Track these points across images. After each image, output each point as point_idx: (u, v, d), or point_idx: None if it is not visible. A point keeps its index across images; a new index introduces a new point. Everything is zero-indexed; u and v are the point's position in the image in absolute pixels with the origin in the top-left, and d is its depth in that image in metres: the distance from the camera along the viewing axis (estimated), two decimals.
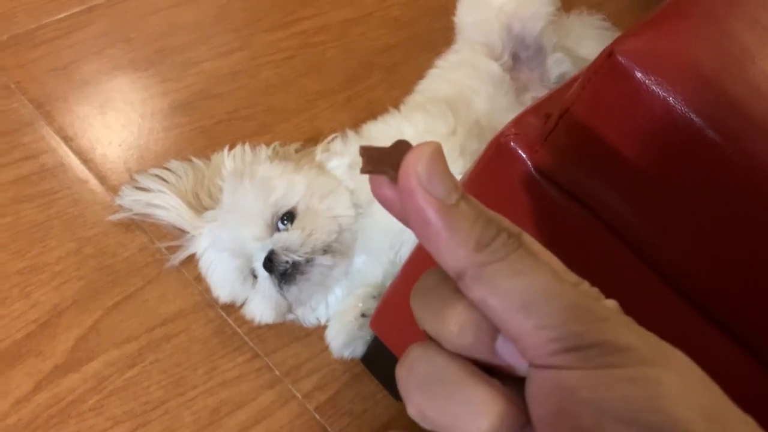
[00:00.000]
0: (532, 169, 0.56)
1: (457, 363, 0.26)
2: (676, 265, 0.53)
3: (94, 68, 1.05)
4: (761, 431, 0.24)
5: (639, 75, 0.47)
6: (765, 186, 0.46)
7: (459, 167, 0.88)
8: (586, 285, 0.27)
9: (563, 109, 0.53)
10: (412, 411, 0.27)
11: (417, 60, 1.26)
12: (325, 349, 0.92)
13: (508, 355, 0.26)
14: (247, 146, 0.97)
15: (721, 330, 0.54)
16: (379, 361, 0.93)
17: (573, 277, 0.27)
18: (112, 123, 1.01)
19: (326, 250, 0.86)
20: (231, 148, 0.97)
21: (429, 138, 0.90)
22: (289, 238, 0.83)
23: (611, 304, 0.27)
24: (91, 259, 0.90)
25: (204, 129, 1.06)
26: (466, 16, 1.18)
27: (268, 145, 1.02)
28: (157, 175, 0.93)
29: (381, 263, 0.90)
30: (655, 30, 0.50)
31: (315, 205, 0.87)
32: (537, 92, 1.16)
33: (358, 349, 0.91)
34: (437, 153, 0.25)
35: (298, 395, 0.90)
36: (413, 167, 0.25)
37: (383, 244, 0.89)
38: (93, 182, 0.95)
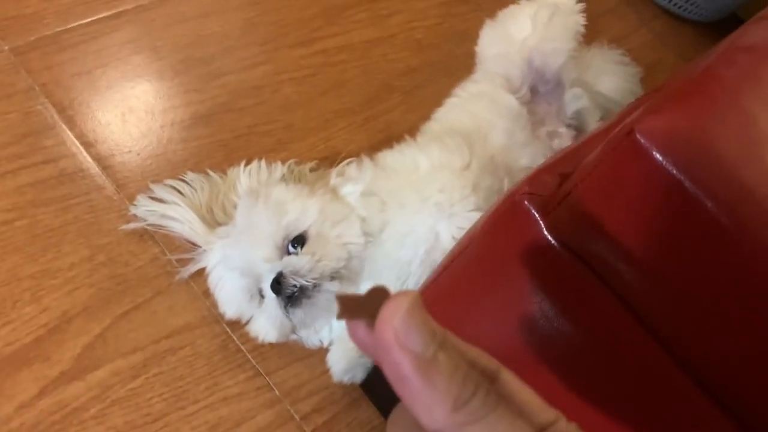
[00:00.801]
0: (543, 230, 0.57)
1: None
2: (686, 342, 0.53)
3: (119, 75, 1.06)
4: None
5: (657, 155, 0.48)
6: None
7: (471, 204, 0.89)
8: (562, 422, 0.28)
9: (579, 178, 0.54)
10: None
11: (437, 84, 1.28)
12: (326, 371, 0.93)
13: None
14: (263, 163, 0.98)
15: (709, 396, 0.54)
16: (378, 388, 0.94)
17: (551, 414, 0.28)
18: (132, 131, 1.03)
19: (334, 276, 0.87)
20: (247, 164, 0.98)
21: (444, 171, 0.91)
22: (299, 262, 0.85)
23: None
24: (103, 267, 0.92)
25: (223, 142, 1.07)
26: (487, 47, 1.18)
27: (283, 162, 1.03)
28: (172, 187, 0.94)
29: None
30: (675, 109, 0.50)
31: (326, 231, 0.88)
32: (553, 126, 1.16)
33: (359, 375, 0.92)
34: (415, 305, 0.25)
35: (296, 417, 0.92)
36: (390, 320, 0.25)
37: (390, 275, 0.90)
38: (110, 189, 0.97)
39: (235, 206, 0.94)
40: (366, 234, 0.91)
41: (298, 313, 0.87)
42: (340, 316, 0.27)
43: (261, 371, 0.92)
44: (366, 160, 1.01)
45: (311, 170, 1.03)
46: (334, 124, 1.16)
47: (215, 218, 0.94)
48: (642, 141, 0.48)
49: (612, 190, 0.52)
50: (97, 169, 0.98)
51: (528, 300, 0.61)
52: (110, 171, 0.98)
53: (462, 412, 0.24)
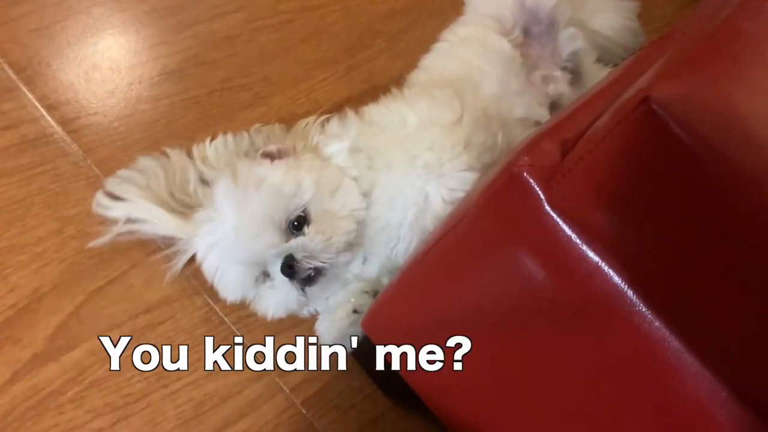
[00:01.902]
0: (545, 204, 0.52)
1: None
2: (698, 319, 0.49)
3: (80, 29, 0.98)
4: None
5: (674, 126, 0.42)
6: None
7: (463, 163, 0.83)
8: None
9: (586, 149, 0.49)
10: None
11: (423, 27, 1.20)
12: (314, 341, 0.90)
13: None
14: (229, 136, 0.92)
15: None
16: (370, 356, 0.90)
17: None
18: (97, 91, 0.95)
19: (346, 248, 0.83)
20: (212, 139, 0.92)
21: (433, 128, 0.86)
22: (310, 244, 0.80)
23: None
24: (73, 240, 0.86)
25: (196, 99, 1.00)
26: None
27: (262, 121, 0.97)
28: (126, 179, 0.87)
29: (378, 258, 0.87)
30: (693, 73, 0.45)
31: (328, 204, 0.83)
32: (548, 70, 1.10)
33: (348, 345, 0.88)
34: None
35: (286, 389, 0.88)
36: None
37: (380, 239, 0.85)
38: (77, 155, 0.90)
39: (197, 182, 0.88)
40: (364, 194, 0.86)
41: (314, 290, 0.84)
42: None
43: (247, 343, 0.88)
44: (350, 113, 0.95)
45: (281, 129, 0.96)
46: (315, 75, 1.09)
47: (179, 203, 0.87)
48: (658, 111, 0.42)
49: (624, 163, 0.46)
50: (61, 133, 0.91)
51: (525, 276, 0.56)
52: (76, 135, 0.92)
53: None
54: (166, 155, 0.90)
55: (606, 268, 0.51)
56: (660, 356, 0.51)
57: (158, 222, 0.84)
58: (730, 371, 0.50)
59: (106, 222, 0.86)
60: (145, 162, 0.88)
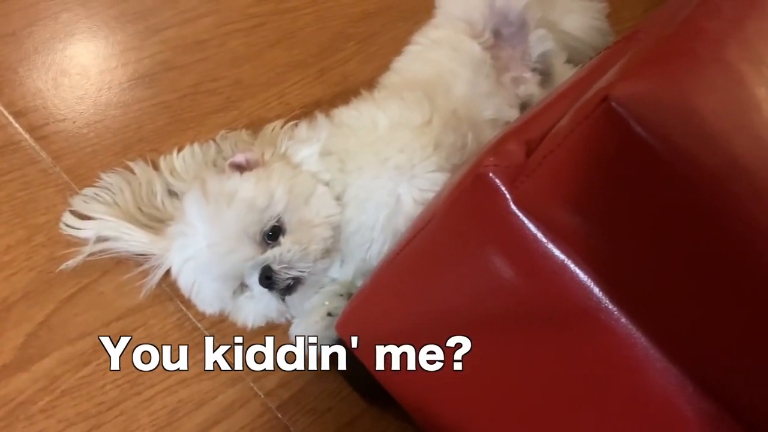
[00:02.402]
0: (511, 204, 0.52)
1: None
2: (663, 315, 0.50)
3: (48, 35, 0.97)
4: None
5: (634, 125, 0.43)
6: (760, 249, 0.43)
7: (433, 164, 0.84)
8: None
9: (549, 149, 0.49)
10: None
11: (395, 30, 1.21)
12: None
13: None
14: (196, 147, 0.92)
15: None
16: (345, 359, 0.90)
17: None
18: (66, 97, 0.94)
19: (323, 256, 0.83)
20: (179, 150, 0.92)
21: (403, 130, 0.86)
22: (287, 254, 0.80)
23: None
24: (42, 248, 0.85)
25: (166, 104, 0.99)
26: None
27: (231, 127, 0.97)
28: (92, 197, 0.86)
29: (352, 260, 0.87)
30: (654, 72, 0.45)
31: (302, 212, 0.82)
32: (518, 72, 1.11)
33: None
34: None
35: (261, 393, 0.88)
36: None
37: (354, 242, 0.85)
38: (46, 163, 0.89)
39: (165, 195, 0.88)
40: (335, 198, 0.86)
41: (294, 299, 0.83)
42: None
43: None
44: (320, 117, 0.95)
45: (248, 135, 0.96)
46: (287, 79, 1.09)
47: (148, 217, 0.87)
48: (618, 109, 0.43)
49: (585, 162, 0.47)
50: (29, 140, 0.90)
51: (493, 275, 0.56)
52: (44, 142, 0.91)
53: None
54: (131, 169, 0.89)
55: (572, 266, 0.52)
56: (627, 352, 0.51)
57: (129, 238, 0.84)
58: (696, 366, 0.50)
59: (76, 243, 0.85)
60: (110, 178, 0.87)
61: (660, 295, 0.48)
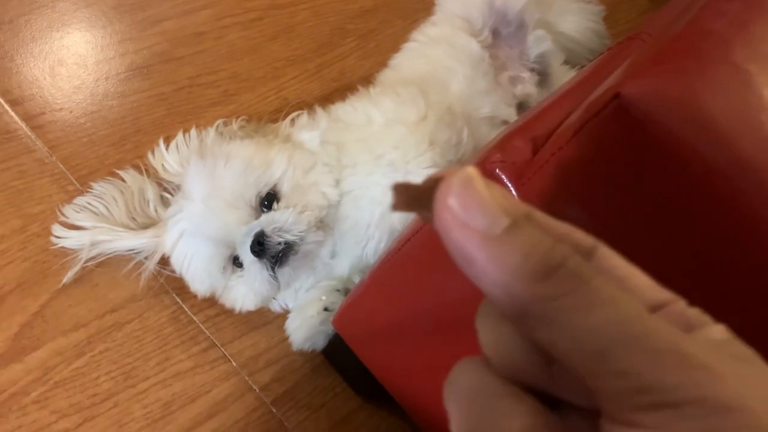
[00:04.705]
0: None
1: (497, 379, 0.23)
2: None
3: (45, 24, 0.96)
4: None
5: (644, 122, 0.43)
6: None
7: (427, 160, 0.84)
8: (680, 304, 0.23)
9: (557, 146, 0.49)
10: (452, 427, 0.24)
11: (394, 27, 1.21)
12: (285, 339, 0.89)
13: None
14: (192, 133, 0.91)
15: None
16: (341, 354, 0.90)
17: (665, 295, 0.23)
18: (63, 86, 0.94)
19: (318, 226, 0.82)
20: (166, 141, 0.91)
21: (398, 126, 0.86)
22: (281, 217, 0.78)
23: (718, 332, 0.22)
24: (37, 238, 0.84)
25: (163, 96, 0.99)
26: None
27: (227, 120, 0.96)
28: (84, 206, 0.85)
29: (348, 257, 0.87)
30: (664, 71, 0.45)
31: (300, 180, 0.82)
32: (515, 71, 1.11)
33: (319, 343, 0.88)
34: (470, 179, 0.21)
35: (255, 388, 0.88)
36: (445, 201, 0.21)
37: (351, 238, 0.85)
38: (41, 152, 0.88)
39: (157, 201, 0.88)
40: (337, 180, 0.86)
41: (285, 272, 0.81)
42: (395, 208, 0.24)
43: (216, 342, 0.88)
44: (319, 110, 0.95)
45: (241, 127, 0.95)
46: (285, 73, 1.09)
47: (141, 226, 0.86)
48: (628, 107, 0.43)
49: (594, 160, 0.47)
50: (25, 129, 0.89)
51: None
52: (40, 131, 0.90)
53: (549, 284, 0.20)
54: (121, 178, 0.88)
55: None
56: None
57: (123, 236, 0.83)
58: None
59: (69, 253, 0.84)
60: (101, 188, 0.87)
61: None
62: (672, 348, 0.19)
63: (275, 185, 0.81)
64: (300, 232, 0.80)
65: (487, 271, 0.21)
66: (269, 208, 0.81)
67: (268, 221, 0.78)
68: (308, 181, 0.83)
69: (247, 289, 0.82)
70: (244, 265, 0.81)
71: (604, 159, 0.46)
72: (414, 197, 0.24)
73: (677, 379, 0.19)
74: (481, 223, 0.21)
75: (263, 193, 0.81)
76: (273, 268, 0.80)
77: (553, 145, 0.50)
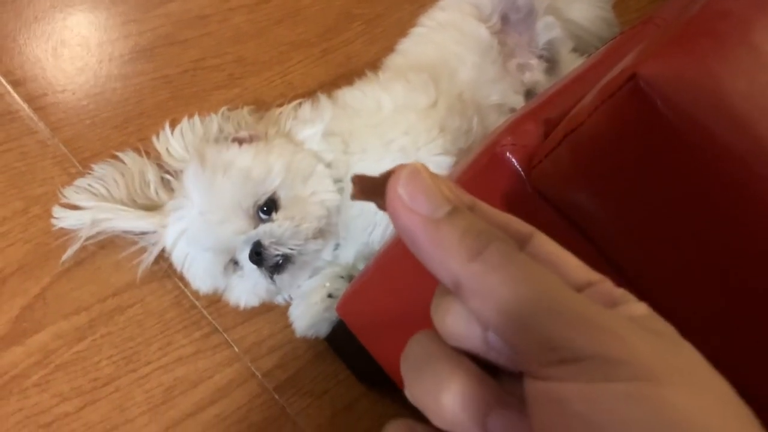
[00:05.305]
0: (528, 185, 0.51)
1: (442, 346, 0.26)
2: (680, 307, 0.49)
3: (48, 4, 0.95)
4: None
5: (660, 103, 0.42)
6: None
7: (438, 147, 0.83)
8: (607, 284, 0.26)
9: (570, 127, 0.48)
10: (406, 392, 0.27)
11: (401, 12, 1.19)
12: (288, 325, 0.89)
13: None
14: (196, 119, 0.89)
15: None
16: (344, 341, 0.89)
17: (593, 275, 0.27)
18: (66, 67, 0.93)
19: (316, 236, 0.81)
20: (172, 124, 0.89)
21: (408, 113, 0.85)
22: (278, 230, 0.78)
23: (638, 309, 0.25)
24: (39, 220, 0.83)
25: (167, 79, 0.98)
26: None
27: (233, 104, 0.95)
28: (84, 188, 0.83)
29: (354, 244, 0.86)
30: (681, 52, 0.44)
31: (298, 190, 0.81)
32: (524, 58, 1.10)
33: (323, 330, 0.87)
34: (417, 171, 0.25)
35: (258, 374, 0.87)
36: (395, 190, 0.25)
37: (356, 226, 0.84)
38: (43, 134, 0.87)
39: (158, 183, 0.86)
40: (336, 181, 0.84)
41: (284, 278, 0.82)
42: (355, 197, 0.28)
43: (218, 328, 0.87)
44: (323, 98, 0.93)
45: (250, 113, 0.94)
46: (290, 57, 1.07)
47: (142, 207, 0.85)
48: (645, 88, 0.42)
49: (608, 142, 0.46)
50: (27, 110, 0.88)
51: None
52: (43, 113, 0.89)
53: (478, 261, 0.24)
54: (121, 160, 0.87)
55: (588, 250, 0.51)
56: None
57: (126, 216, 0.82)
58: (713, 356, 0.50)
59: (70, 235, 0.83)
60: (102, 169, 0.85)
61: (680, 283, 0.47)
62: (582, 315, 0.22)
63: (274, 193, 0.80)
64: (296, 244, 0.79)
65: (429, 250, 0.25)
66: (268, 215, 0.80)
67: (266, 233, 0.78)
68: (307, 191, 0.82)
69: (247, 288, 0.82)
70: (244, 272, 0.81)
71: (619, 141, 0.45)
72: (370, 187, 0.27)
73: (583, 339, 0.22)
74: (425, 209, 0.25)
75: (261, 202, 0.80)
76: (272, 276, 0.81)
77: (565, 128, 0.49)
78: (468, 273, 0.24)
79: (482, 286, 0.24)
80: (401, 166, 0.26)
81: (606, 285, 0.26)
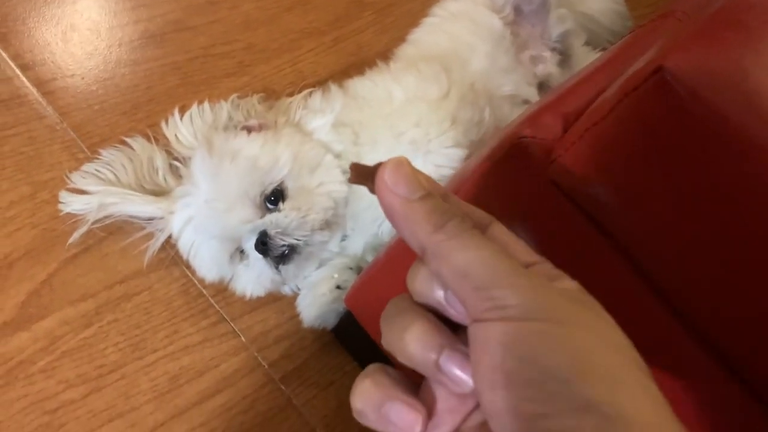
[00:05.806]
0: (546, 178, 0.50)
1: (411, 302, 0.33)
2: (704, 295, 0.48)
3: None
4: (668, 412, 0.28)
5: (687, 97, 0.41)
6: None
7: (449, 139, 0.82)
8: (547, 265, 0.33)
9: (591, 121, 0.47)
10: (382, 341, 0.33)
11: (412, 2, 1.18)
12: (295, 316, 0.88)
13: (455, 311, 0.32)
14: (206, 105, 0.88)
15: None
16: (351, 333, 0.89)
17: (535, 257, 0.33)
18: (75, 52, 0.92)
19: (322, 227, 0.81)
20: (181, 111, 0.88)
21: (420, 104, 0.84)
22: (284, 220, 0.77)
23: (570, 284, 0.32)
24: (46, 205, 0.83)
25: (176, 65, 0.97)
26: None
27: (242, 92, 0.94)
28: (92, 174, 0.83)
29: (363, 235, 0.85)
30: (708, 44, 0.43)
31: (306, 181, 0.80)
32: (537, 50, 1.08)
33: (330, 321, 0.87)
34: (401, 163, 0.32)
35: (264, 364, 0.86)
36: (382, 176, 0.32)
37: (366, 217, 0.84)
38: (52, 118, 0.87)
39: (166, 169, 0.86)
40: (345, 172, 0.83)
41: (289, 269, 0.81)
42: (352, 181, 0.34)
43: (225, 317, 0.86)
44: (334, 87, 0.93)
45: (260, 102, 0.93)
46: (301, 45, 1.06)
47: (150, 193, 0.84)
48: (671, 81, 0.41)
49: (631, 136, 0.45)
50: (36, 95, 0.87)
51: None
52: (51, 97, 0.88)
53: (440, 232, 0.31)
54: (130, 146, 0.86)
55: (608, 245, 0.50)
56: (659, 336, 0.50)
57: (133, 200, 0.81)
58: (734, 355, 0.49)
59: (78, 221, 0.82)
60: (110, 155, 0.85)
61: (702, 275, 0.46)
62: (513, 275, 0.29)
63: (281, 183, 0.79)
64: (302, 235, 0.79)
65: (403, 223, 0.32)
66: (275, 205, 0.79)
67: (272, 223, 0.77)
68: (314, 182, 0.81)
69: (253, 278, 0.82)
70: (250, 261, 0.81)
71: (643, 135, 0.44)
72: (365, 173, 0.33)
73: (510, 291, 0.29)
74: (403, 192, 0.32)
75: (268, 191, 0.79)
76: (277, 266, 0.80)
77: (586, 122, 0.48)
78: (431, 241, 0.31)
79: (441, 252, 0.30)
80: (389, 159, 0.32)
81: (546, 265, 0.33)
